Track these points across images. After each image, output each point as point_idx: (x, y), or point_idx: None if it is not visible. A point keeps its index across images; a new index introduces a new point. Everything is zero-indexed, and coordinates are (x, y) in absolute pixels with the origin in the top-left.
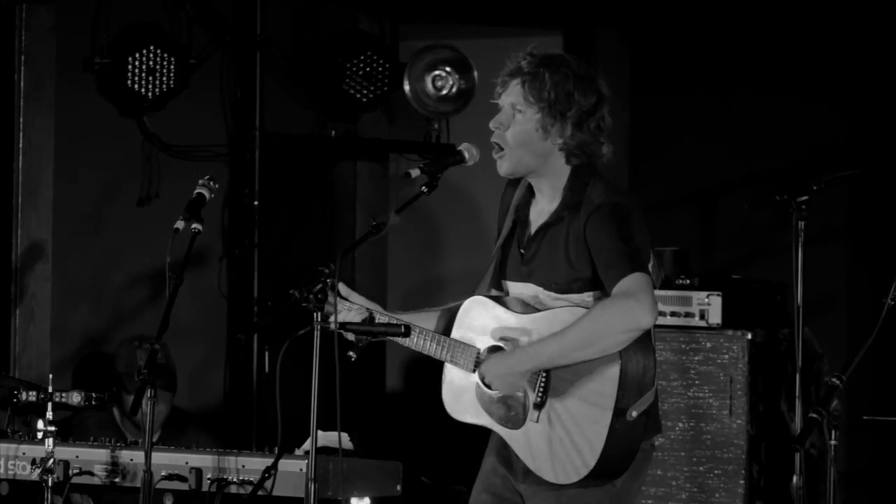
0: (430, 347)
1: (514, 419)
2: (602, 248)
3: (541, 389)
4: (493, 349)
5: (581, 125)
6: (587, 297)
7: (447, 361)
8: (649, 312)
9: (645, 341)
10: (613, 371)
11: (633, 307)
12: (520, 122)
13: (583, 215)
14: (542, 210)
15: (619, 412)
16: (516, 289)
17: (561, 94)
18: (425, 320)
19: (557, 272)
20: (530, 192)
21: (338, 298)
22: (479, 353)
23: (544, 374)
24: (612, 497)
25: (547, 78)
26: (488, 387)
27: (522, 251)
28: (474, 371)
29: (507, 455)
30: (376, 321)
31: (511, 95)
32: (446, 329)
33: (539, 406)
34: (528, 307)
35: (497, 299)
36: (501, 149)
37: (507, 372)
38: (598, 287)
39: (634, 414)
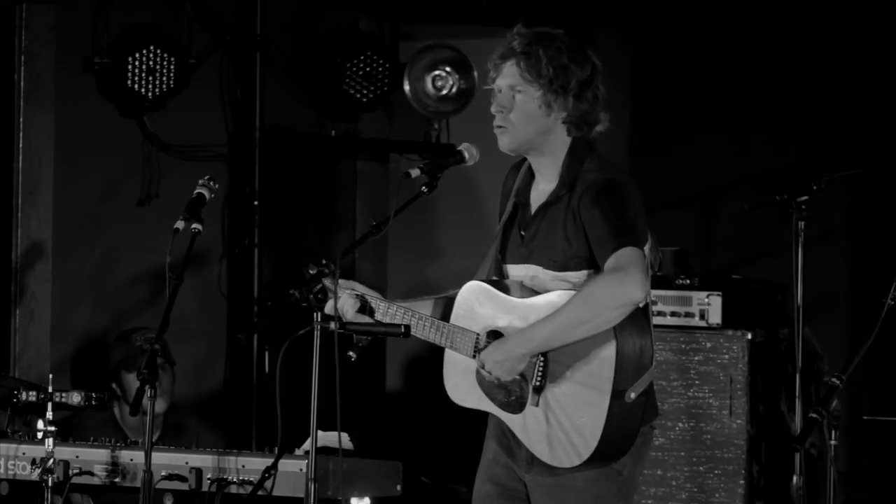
0: (429, 334)
1: (514, 403)
2: (594, 223)
3: (539, 373)
4: (492, 333)
5: (581, 96)
6: (584, 274)
7: (447, 347)
8: (639, 286)
9: (640, 321)
10: (609, 353)
11: (622, 281)
12: (522, 102)
13: (577, 192)
14: (542, 191)
15: (617, 394)
16: (516, 271)
17: (558, 69)
18: (425, 307)
19: (556, 250)
20: (530, 175)
21: (337, 283)
22: (477, 337)
23: (542, 358)
24: (620, 486)
25: (542, 54)
26: (488, 373)
27: (523, 233)
28: (474, 356)
29: (507, 444)
30: (374, 311)
31: (507, 77)
32: (445, 315)
33: (538, 390)
34: (525, 290)
35: (494, 283)
36: (504, 125)
37: (504, 357)
38: (594, 265)
39: (633, 395)
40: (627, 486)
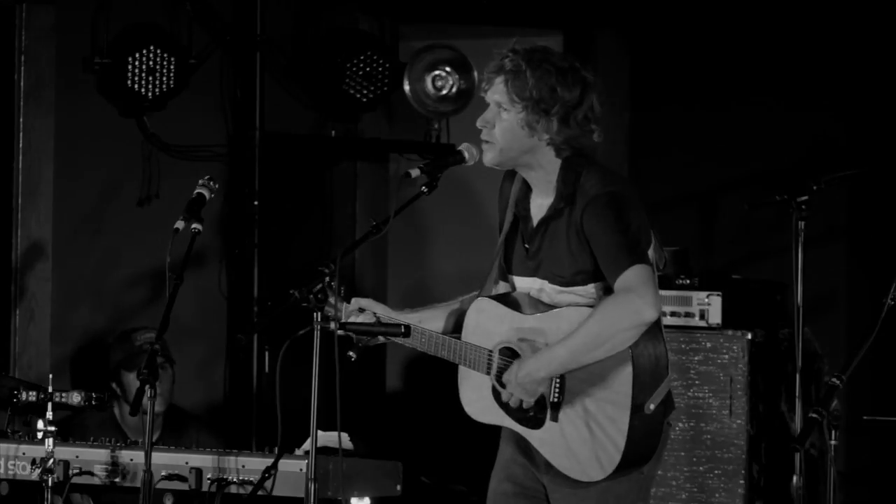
0: (440, 351)
1: (533, 419)
2: (600, 241)
3: (556, 389)
4: (505, 350)
5: (567, 120)
6: (591, 288)
7: (459, 364)
8: (652, 307)
9: (653, 331)
10: (626, 368)
11: (634, 302)
12: (505, 121)
13: (579, 207)
14: (540, 204)
15: (636, 408)
16: (523, 283)
17: (544, 92)
18: (433, 318)
19: (561, 265)
20: (527, 186)
21: (344, 306)
22: (490, 354)
23: (559, 375)
24: (640, 484)
25: (528, 76)
26: (507, 393)
27: (527, 246)
28: (488, 373)
29: (525, 446)
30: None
31: (496, 93)
32: (455, 326)
33: (556, 406)
34: (534, 305)
35: (502, 300)
36: (489, 141)
37: (526, 379)
38: (600, 278)
39: (652, 407)
40: (647, 483)
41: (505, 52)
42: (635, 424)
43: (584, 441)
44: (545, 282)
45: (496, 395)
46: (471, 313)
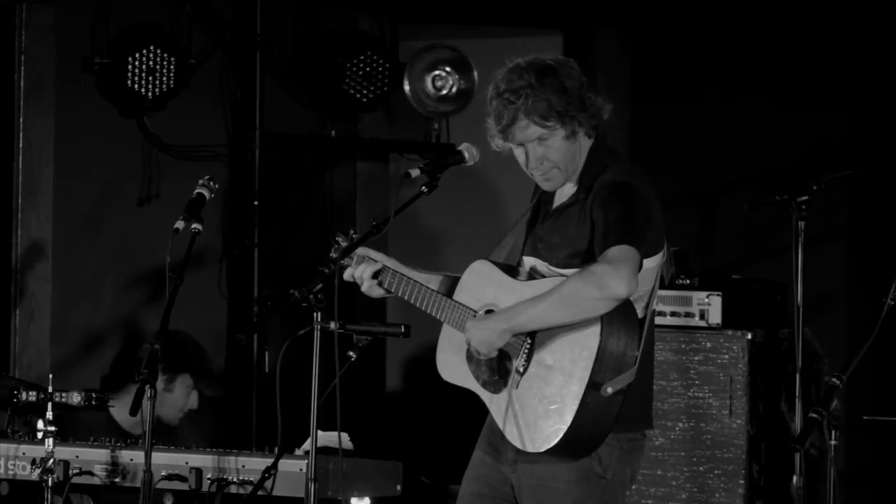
0: (430, 307)
1: (496, 383)
2: (600, 221)
3: (525, 357)
4: (489, 312)
5: (586, 103)
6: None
7: (444, 321)
8: (624, 283)
9: (632, 324)
10: (592, 344)
11: (608, 274)
12: (555, 147)
13: (593, 193)
14: (564, 192)
15: (593, 385)
16: (525, 263)
17: (561, 98)
18: (432, 281)
19: (560, 249)
20: None
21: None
22: (475, 315)
23: (529, 342)
24: (603, 488)
25: (542, 97)
26: (468, 342)
27: (540, 228)
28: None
29: (495, 443)
30: (384, 278)
31: (529, 133)
32: (448, 294)
33: (521, 373)
34: (529, 276)
35: (501, 266)
36: (552, 169)
37: (484, 329)
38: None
39: (610, 390)
40: (612, 490)
41: (504, 99)
42: (588, 402)
43: (537, 410)
44: (545, 263)
45: (468, 358)
46: (467, 273)
